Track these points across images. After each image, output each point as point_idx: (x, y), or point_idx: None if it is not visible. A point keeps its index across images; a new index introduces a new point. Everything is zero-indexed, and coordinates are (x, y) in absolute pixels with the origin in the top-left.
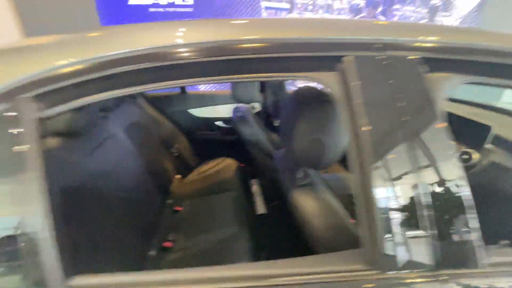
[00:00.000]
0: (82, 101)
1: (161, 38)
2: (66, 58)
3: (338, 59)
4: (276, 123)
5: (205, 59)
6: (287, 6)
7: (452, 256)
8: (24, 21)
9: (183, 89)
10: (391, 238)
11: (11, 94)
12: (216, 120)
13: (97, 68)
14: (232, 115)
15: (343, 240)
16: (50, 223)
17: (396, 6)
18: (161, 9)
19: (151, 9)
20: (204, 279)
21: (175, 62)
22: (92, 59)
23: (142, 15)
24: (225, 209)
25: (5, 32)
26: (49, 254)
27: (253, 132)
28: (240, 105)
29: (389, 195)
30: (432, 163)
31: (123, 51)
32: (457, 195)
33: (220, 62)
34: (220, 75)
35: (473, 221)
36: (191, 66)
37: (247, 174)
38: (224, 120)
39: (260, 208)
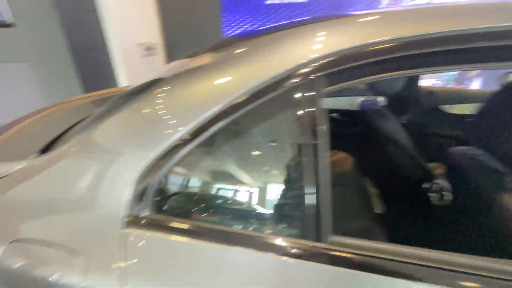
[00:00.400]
0: (351, 83)
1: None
2: (347, 44)
3: None
4: (404, 119)
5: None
6: None
7: None
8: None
9: None
10: None
11: (304, 74)
12: (331, 112)
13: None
14: (363, 107)
15: None
16: (328, 190)
17: None
18: (277, 1)
19: (268, 1)
20: (434, 259)
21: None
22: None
23: (259, 6)
24: (347, 202)
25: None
26: (327, 215)
27: (391, 126)
28: (368, 98)
29: None
30: None
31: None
32: None
33: None
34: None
35: None
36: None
37: (361, 169)
38: (341, 112)
39: (378, 207)
